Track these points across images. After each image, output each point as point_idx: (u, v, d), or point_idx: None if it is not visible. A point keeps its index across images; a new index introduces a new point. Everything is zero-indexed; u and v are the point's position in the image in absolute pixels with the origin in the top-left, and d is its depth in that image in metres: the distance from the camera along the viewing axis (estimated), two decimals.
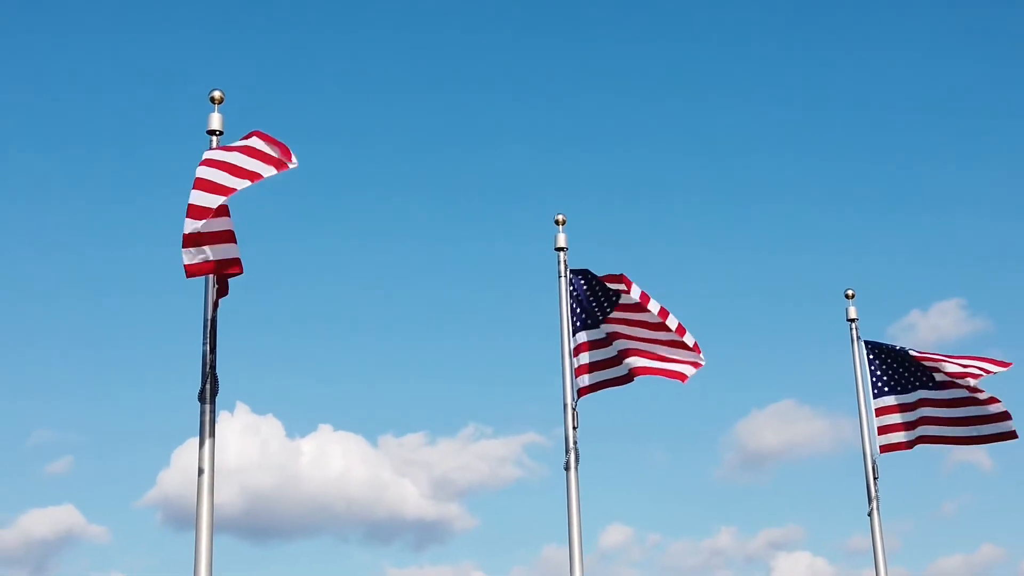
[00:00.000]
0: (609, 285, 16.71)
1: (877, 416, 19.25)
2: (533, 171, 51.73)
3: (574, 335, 16.76)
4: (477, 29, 53.90)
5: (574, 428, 16.21)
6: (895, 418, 19.10)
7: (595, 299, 16.81)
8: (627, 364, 16.69)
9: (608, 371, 16.74)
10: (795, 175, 53.40)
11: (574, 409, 16.32)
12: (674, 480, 46.39)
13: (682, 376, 16.57)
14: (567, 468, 16.05)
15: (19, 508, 43.33)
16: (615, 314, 16.71)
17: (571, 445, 16.12)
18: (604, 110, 53.42)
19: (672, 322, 16.44)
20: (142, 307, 47.40)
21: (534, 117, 53.53)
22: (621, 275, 16.65)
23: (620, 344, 16.71)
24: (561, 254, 17.13)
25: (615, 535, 43.85)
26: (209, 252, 11.79)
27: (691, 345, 16.45)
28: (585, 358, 16.68)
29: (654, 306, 16.43)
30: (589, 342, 16.77)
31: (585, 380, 16.63)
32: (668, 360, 16.59)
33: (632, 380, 16.78)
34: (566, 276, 17.01)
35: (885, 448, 19.10)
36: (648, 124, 53.40)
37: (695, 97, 53.67)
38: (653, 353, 16.62)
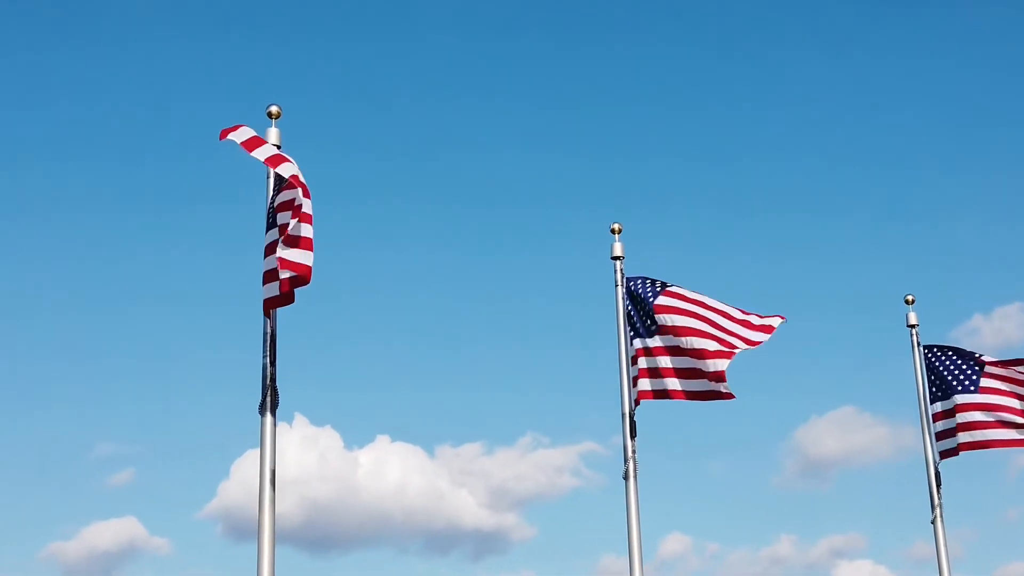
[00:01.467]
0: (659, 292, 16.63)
1: (934, 422, 19.21)
2: (589, 180, 51.69)
3: (631, 343, 16.70)
4: (529, 37, 53.99)
5: (632, 437, 16.16)
6: (946, 424, 19.08)
7: (647, 309, 16.72)
8: (668, 383, 16.43)
9: (659, 381, 16.57)
10: (853, 182, 53.00)
11: (632, 418, 16.27)
12: (733, 488, 46.11)
13: (754, 342, 16.27)
14: (626, 477, 16.00)
15: (83, 521, 43.84)
16: (665, 318, 16.51)
17: (630, 454, 16.07)
18: (661, 118, 53.31)
19: (732, 310, 16.34)
20: (201, 319, 47.83)
21: (590, 125, 53.53)
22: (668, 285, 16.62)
23: (663, 362, 16.48)
24: (617, 263, 17.10)
25: (674, 544, 43.67)
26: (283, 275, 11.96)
27: (758, 324, 16.30)
28: (643, 363, 16.57)
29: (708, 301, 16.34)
30: (644, 349, 16.65)
31: (643, 387, 16.53)
32: (733, 337, 16.28)
33: (670, 398, 16.55)
34: (623, 285, 16.97)
35: (944, 454, 19.09)
36: (706, 132, 53.24)
37: (753, 106, 53.41)
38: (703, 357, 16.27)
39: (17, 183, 48.20)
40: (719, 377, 15.90)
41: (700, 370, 16.09)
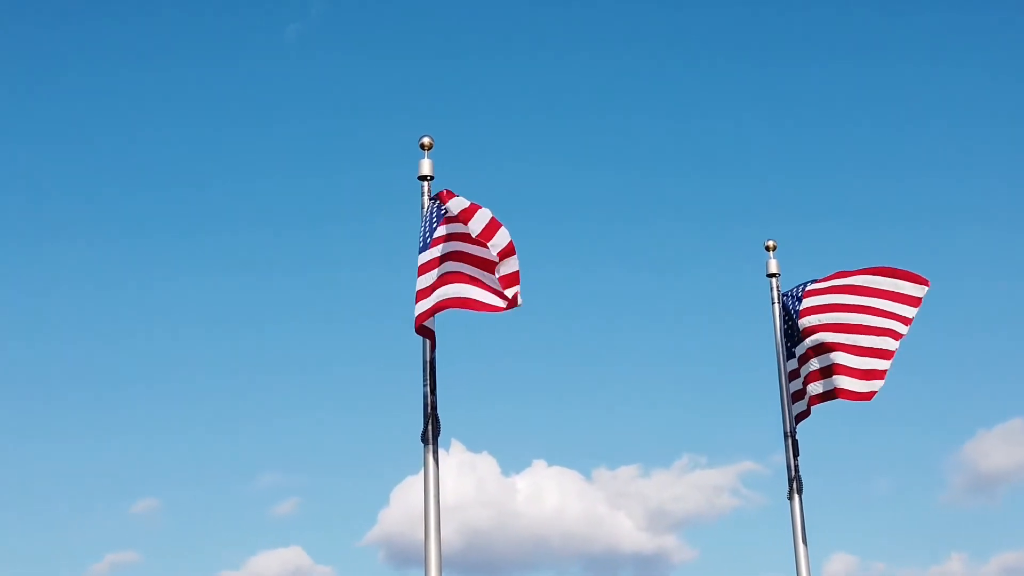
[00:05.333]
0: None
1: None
2: (743, 196, 51.08)
3: (787, 360, 16.46)
4: (680, 52, 53.74)
5: (795, 456, 15.90)
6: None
7: (796, 319, 16.47)
8: (810, 391, 16.02)
9: (815, 385, 16.23)
10: (1001, 191, 51.36)
11: (794, 437, 16.01)
12: (898, 506, 44.98)
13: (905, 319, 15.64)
14: (790, 497, 15.74)
15: (248, 551, 44.83)
16: (805, 320, 16.22)
17: (793, 474, 15.81)
18: (815, 132, 52.48)
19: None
20: (361, 348, 48.62)
21: (745, 140, 52.96)
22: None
23: (809, 366, 16.16)
24: (773, 280, 16.89)
25: (839, 564, 42.72)
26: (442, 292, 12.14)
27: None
28: (798, 384, 16.31)
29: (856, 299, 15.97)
30: (799, 359, 16.38)
31: (801, 406, 16.27)
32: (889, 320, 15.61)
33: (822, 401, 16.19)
34: (779, 302, 16.75)
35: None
36: (860, 146, 52.23)
37: (913, 118, 52.24)
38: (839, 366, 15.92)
39: (179, 199, 49.62)
40: (875, 376, 15.55)
41: (843, 367, 15.71)
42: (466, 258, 12.25)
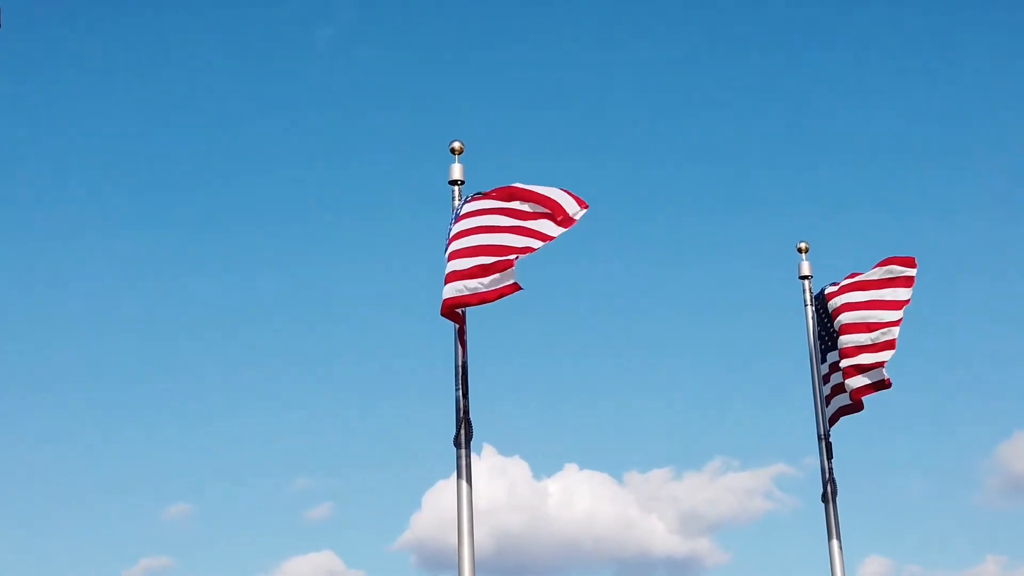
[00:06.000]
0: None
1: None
2: (774, 196, 50.86)
3: (822, 362, 16.40)
4: (715, 51, 53.64)
5: (829, 459, 15.83)
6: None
7: (829, 320, 16.40)
8: (849, 385, 15.87)
9: (840, 397, 16.18)
10: None
11: (828, 440, 15.94)
12: (932, 508, 44.66)
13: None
14: (825, 500, 15.67)
15: (281, 555, 44.93)
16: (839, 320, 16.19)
17: (827, 477, 15.74)
18: (852, 126, 52.18)
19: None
20: (393, 353, 48.71)
21: (779, 138, 52.70)
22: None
23: (845, 362, 16.08)
24: (806, 282, 16.83)
25: (873, 567, 42.43)
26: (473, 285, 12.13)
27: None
28: (835, 379, 16.25)
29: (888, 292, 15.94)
30: (834, 364, 16.32)
31: (834, 406, 16.21)
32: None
33: (861, 408, 16.12)
34: (812, 304, 16.69)
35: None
36: (894, 142, 51.89)
37: (940, 111, 51.94)
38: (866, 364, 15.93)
39: (206, 199, 49.87)
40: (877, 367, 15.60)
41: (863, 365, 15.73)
42: (503, 212, 12.49)
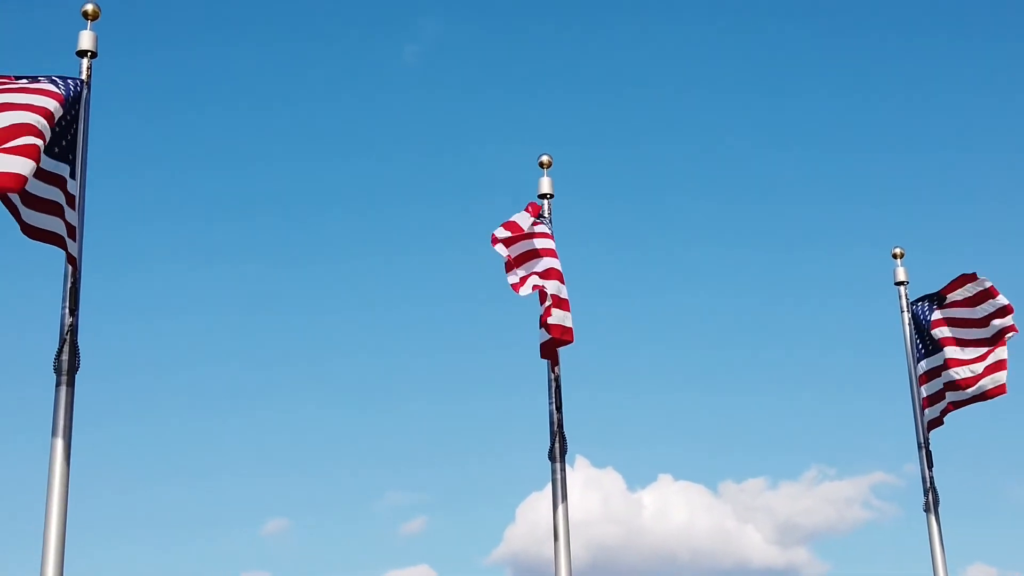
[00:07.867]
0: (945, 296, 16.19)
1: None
2: (867, 204, 50.26)
3: (916, 365, 16.20)
4: (793, 34, 53.23)
5: (929, 467, 15.58)
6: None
7: (927, 329, 16.22)
8: (948, 398, 15.89)
9: (938, 406, 16.01)
10: None
11: (927, 448, 15.70)
12: None
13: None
14: (927, 510, 15.42)
15: (377, 570, 45.25)
16: (939, 331, 16.00)
17: (928, 486, 15.49)
18: (955, 121, 51.44)
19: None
20: (484, 363, 48.87)
21: (871, 142, 52.11)
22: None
23: (945, 376, 15.93)
24: (901, 288, 16.61)
25: (977, 575, 41.66)
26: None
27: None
28: (926, 389, 16.06)
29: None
30: (928, 373, 16.12)
31: (930, 414, 15.99)
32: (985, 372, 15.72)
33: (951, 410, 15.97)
34: (908, 310, 16.47)
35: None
36: (994, 137, 51.00)
37: None
38: (967, 377, 15.75)
39: (298, 223, 50.58)
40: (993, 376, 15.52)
41: (971, 378, 15.68)
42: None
